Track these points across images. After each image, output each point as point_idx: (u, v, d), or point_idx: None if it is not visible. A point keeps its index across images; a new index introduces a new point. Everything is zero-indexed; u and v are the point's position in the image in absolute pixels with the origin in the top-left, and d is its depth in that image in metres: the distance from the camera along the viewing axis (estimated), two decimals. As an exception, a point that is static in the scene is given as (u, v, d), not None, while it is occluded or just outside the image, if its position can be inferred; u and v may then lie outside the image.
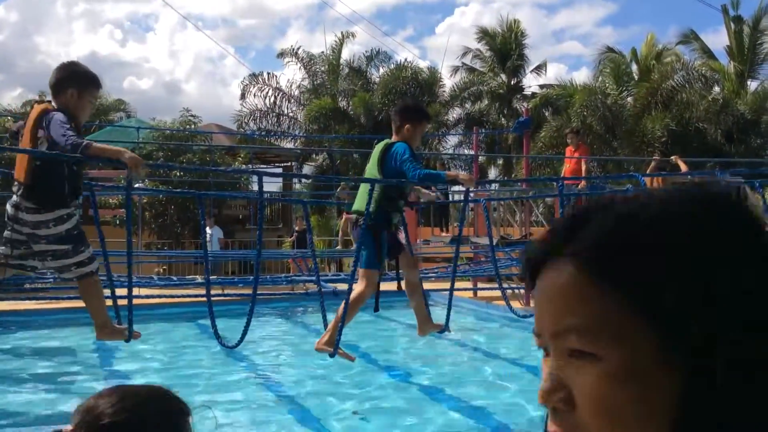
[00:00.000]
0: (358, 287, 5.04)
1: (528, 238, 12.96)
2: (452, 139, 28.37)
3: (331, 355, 5.21)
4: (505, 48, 27.95)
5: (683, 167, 9.89)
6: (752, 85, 25.56)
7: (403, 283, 5.43)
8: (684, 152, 19.19)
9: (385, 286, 11.66)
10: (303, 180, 27.27)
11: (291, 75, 31.91)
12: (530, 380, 8.25)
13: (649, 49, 26.33)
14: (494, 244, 12.03)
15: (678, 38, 27.66)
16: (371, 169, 5.00)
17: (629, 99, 24.03)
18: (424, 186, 5.36)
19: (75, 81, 4.19)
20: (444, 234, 15.83)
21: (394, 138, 5.04)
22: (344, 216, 16.99)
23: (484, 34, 28.73)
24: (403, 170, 4.70)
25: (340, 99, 27.80)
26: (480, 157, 24.67)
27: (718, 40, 65.23)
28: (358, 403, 7.10)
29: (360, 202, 4.94)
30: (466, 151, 26.65)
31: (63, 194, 4.11)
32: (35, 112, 4.09)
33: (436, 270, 11.90)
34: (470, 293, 13.90)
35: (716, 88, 24.66)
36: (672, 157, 10.12)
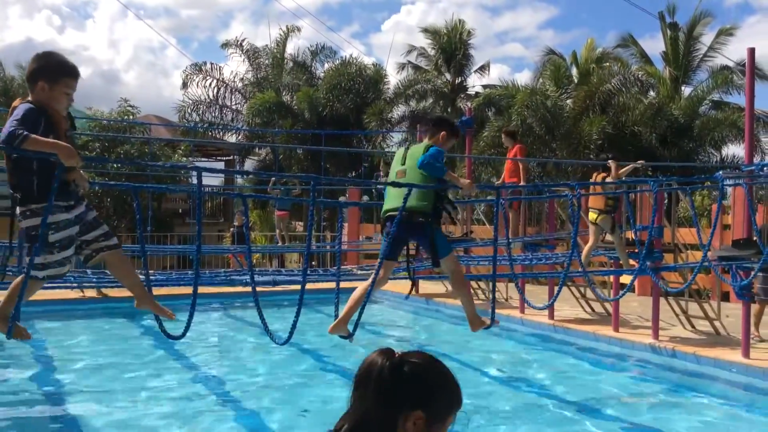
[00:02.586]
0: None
1: (469, 236, 13.08)
2: (396, 137, 28.45)
3: (345, 338, 5.92)
4: (450, 47, 28.17)
5: (614, 171, 10.10)
6: (686, 90, 26.48)
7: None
8: (620, 155, 19.73)
9: (320, 286, 11.62)
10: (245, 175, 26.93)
11: (235, 67, 31.33)
12: (461, 370, 8.36)
13: (588, 52, 26.95)
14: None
15: (616, 42, 28.42)
16: (415, 168, 5.59)
17: (568, 101, 24.53)
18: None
19: (45, 73, 4.03)
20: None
21: (428, 140, 5.87)
22: (276, 213, 16.86)
23: (430, 33, 28.89)
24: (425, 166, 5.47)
25: (284, 93, 27.52)
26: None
27: (655, 45, 67.33)
28: (307, 402, 7.05)
29: (410, 200, 5.40)
30: (409, 149, 26.74)
31: (31, 189, 3.98)
32: (11, 108, 4.00)
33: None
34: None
35: (652, 93, 25.40)
36: (609, 162, 10.35)
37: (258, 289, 5.47)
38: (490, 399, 7.25)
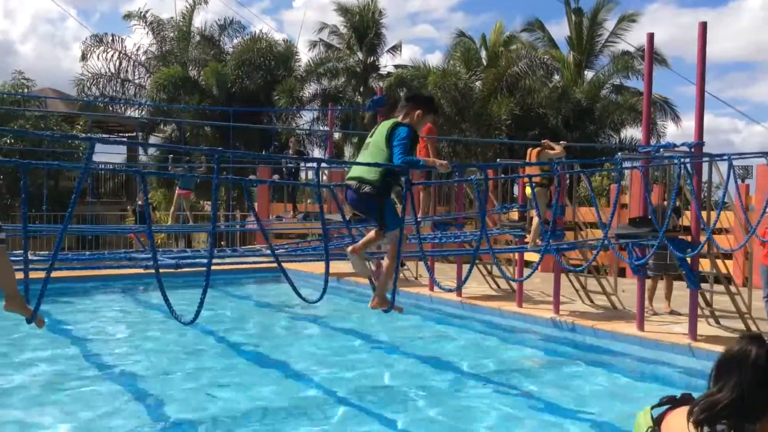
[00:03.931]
0: (389, 249, 5.53)
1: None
2: (307, 115, 28.12)
3: (386, 311, 5.72)
4: (363, 26, 27.99)
5: (558, 148, 10.19)
6: (588, 74, 27.38)
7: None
8: (526, 137, 20.21)
9: (228, 266, 11.38)
10: (150, 151, 25.96)
11: (138, 39, 30.05)
12: (358, 353, 8.41)
13: (497, 36, 27.42)
14: (347, 220, 12.09)
15: (523, 26, 29.04)
16: (379, 143, 5.33)
17: (478, 83, 24.92)
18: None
19: None
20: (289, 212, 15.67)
21: (401, 119, 5.43)
22: (177, 192, 16.39)
23: (343, 11, 28.61)
24: (393, 149, 5.19)
25: (190, 68, 26.62)
26: (335, 134, 24.66)
27: (560, 30, 69.16)
28: (209, 380, 6.89)
29: (362, 171, 5.27)
30: (321, 128, 26.52)
31: None
32: None
33: (286, 246, 11.76)
34: (323, 268, 13.88)
35: (556, 76, 26.15)
36: (545, 141, 10.50)
37: (162, 270, 5.26)
38: (399, 376, 7.32)
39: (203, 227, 16.94)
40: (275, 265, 6.21)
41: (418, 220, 8.03)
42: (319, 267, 13.68)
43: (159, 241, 17.48)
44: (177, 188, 16.49)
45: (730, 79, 58.18)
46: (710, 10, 58.98)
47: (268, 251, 10.10)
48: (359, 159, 5.47)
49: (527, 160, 10.22)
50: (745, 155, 8.07)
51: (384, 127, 5.39)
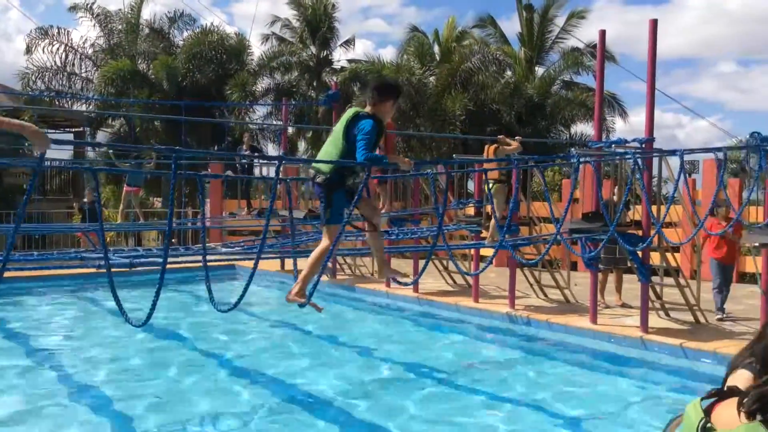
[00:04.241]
0: (322, 242, 5.33)
1: (315, 211, 13.02)
2: (261, 110, 27.80)
3: (302, 306, 5.36)
4: (316, 20, 27.79)
5: (514, 144, 10.23)
6: (539, 70, 27.75)
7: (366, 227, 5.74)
8: (481, 132, 20.36)
9: (180, 265, 11.19)
10: (97, 146, 25.30)
11: (84, 32, 29.25)
12: (321, 349, 8.36)
13: (450, 31, 27.55)
14: (303, 217, 12.01)
15: (475, 22, 29.24)
16: (337, 133, 5.16)
17: (432, 78, 25.01)
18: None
19: None
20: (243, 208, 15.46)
21: (368, 109, 5.20)
22: (125, 189, 16.06)
23: (295, 4, 28.35)
24: (356, 146, 5.00)
25: (139, 61, 26.03)
26: (289, 129, 24.45)
27: (512, 26, 69.97)
28: (157, 387, 6.74)
29: (324, 158, 5.17)
30: (275, 122, 26.26)
31: None
32: None
33: (241, 243, 11.62)
34: (278, 266, 13.79)
35: (509, 72, 26.41)
36: (500, 137, 10.54)
37: (114, 270, 5.12)
38: (355, 373, 7.29)
39: (155, 225, 16.61)
40: (231, 262, 6.12)
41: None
42: (274, 264, 13.59)
43: (109, 240, 17.07)
44: (125, 185, 16.13)
45: (674, 75, 59.91)
46: (654, 7, 60.51)
47: (224, 249, 9.97)
48: (323, 147, 5.38)
49: (485, 157, 10.28)
50: (695, 151, 8.27)
51: (346, 115, 5.19)
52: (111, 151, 15.98)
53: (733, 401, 1.73)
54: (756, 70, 62.43)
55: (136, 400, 6.24)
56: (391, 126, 12.24)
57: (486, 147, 10.68)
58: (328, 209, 5.24)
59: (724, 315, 9.21)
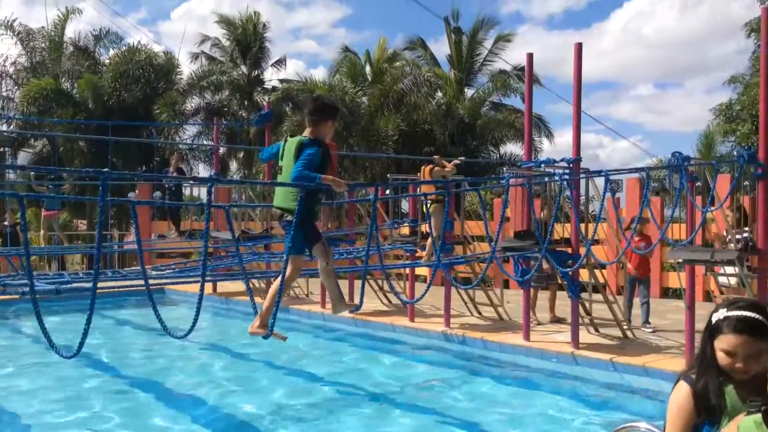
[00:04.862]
0: (287, 271, 5.31)
1: (269, 232, 12.91)
2: (191, 130, 27.31)
3: (265, 337, 5.37)
4: (246, 39, 27.62)
5: (449, 166, 10.36)
6: (469, 92, 28.30)
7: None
8: (414, 152, 20.58)
9: (107, 290, 10.82)
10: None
11: (5, 50, 28.21)
12: (252, 372, 8.22)
13: (381, 52, 27.83)
14: (236, 238, 11.81)
15: (405, 44, 29.64)
16: (288, 167, 5.12)
17: (364, 99, 25.16)
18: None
19: None
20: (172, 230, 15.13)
21: (308, 133, 5.24)
22: (44, 213, 15.52)
23: (225, 23, 28.11)
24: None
25: (63, 80, 25.24)
26: (221, 149, 24.09)
27: (442, 48, 71.23)
28: (90, 414, 6.47)
29: (282, 198, 5.18)
30: (206, 143, 25.83)
31: None
32: None
33: (172, 266, 11.33)
34: (209, 289, 13.51)
35: (440, 93, 26.84)
36: (435, 157, 10.67)
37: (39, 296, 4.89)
38: (291, 395, 7.19)
39: (80, 249, 16.02)
40: (160, 286, 5.95)
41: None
42: (206, 287, 13.30)
43: (32, 264, 16.36)
44: (43, 209, 15.56)
45: (595, 97, 62.00)
46: (575, 31, 62.72)
47: (155, 272, 9.69)
48: (278, 186, 5.32)
49: (421, 177, 10.40)
50: (621, 171, 8.58)
51: (291, 145, 5.16)
52: (33, 173, 15.37)
53: None
54: (671, 92, 65.41)
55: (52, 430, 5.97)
56: (333, 147, 12.22)
57: (423, 168, 10.81)
58: (294, 238, 5.16)
59: (650, 328, 9.56)
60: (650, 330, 9.53)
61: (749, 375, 2.35)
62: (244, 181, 19.58)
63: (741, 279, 8.08)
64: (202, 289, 5.09)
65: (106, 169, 4.47)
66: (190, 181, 15.17)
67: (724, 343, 2.36)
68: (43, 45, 26.10)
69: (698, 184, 8.27)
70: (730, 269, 8.71)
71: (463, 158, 11.25)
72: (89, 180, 14.04)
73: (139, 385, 7.80)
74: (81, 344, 4.52)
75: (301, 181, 4.97)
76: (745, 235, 8.35)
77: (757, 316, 2.36)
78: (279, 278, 5.37)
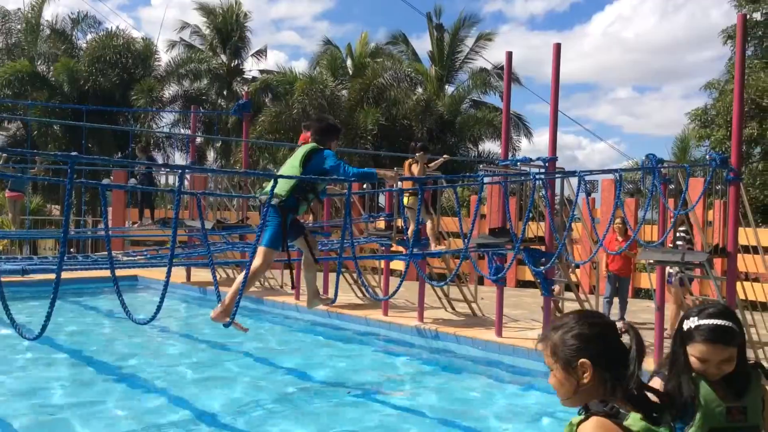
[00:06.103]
0: (255, 262, 5.33)
1: (245, 222, 12.83)
2: (168, 117, 27.06)
3: (226, 325, 5.36)
4: (226, 28, 27.40)
5: (420, 162, 10.32)
6: (449, 89, 28.35)
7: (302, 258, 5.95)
8: (393, 147, 20.57)
9: (78, 275, 10.70)
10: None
11: (-21, 30, 27.68)
12: (223, 364, 8.19)
13: (363, 46, 27.77)
14: (210, 227, 11.72)
15: (387, 39, 29.61)
16: (293, 162, 5.57)
17: (344, 92, 25.10)
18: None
19: None
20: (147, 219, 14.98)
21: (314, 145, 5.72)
22: (7, 194, 15.24)
23: (205, 11, 27.86)
24: (331, 170, 5.49)
25: (39, 63, 24.87)
26: (198, 139, 23.90)
27: (423, 45, 71.33)
28: (40, 401, 6.39)
29: (278, 187, 5.34)
30: (182, 131, 25.61)
31: None
32: None
33: (144, 252, 11.22)
34: (183, 278, 13.41)
35: (420, 89, 26.87)
36: (417, 154, 10.64)
37: (5, 279, 4.82)
38: (265, 388, 7.16)
39: (49, 232, 15.81)
40: (131, 272, 5.89)
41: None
42: (180, 276, 13.20)
43: (2, 248, 16.11)
44: (7, 190, 15.27)
45: (574, 99, 62.58)
46: (557, 33, 63.23)
47: (125, 258, 9.59)
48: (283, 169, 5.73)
49: (405, 172, 10.40)
50: (594, 172, 8.65)
51: (303, 149, 5.64)
52: (4, 156, 15.09)
53: None
54: (649, 96, 66.30)
55: (12, 419, 5.89)
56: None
57: (405, 163, 10.81)
58: (271, 231, 5.39)
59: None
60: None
61: (720, 375, 2.45)
62: (216, 170, 19.43)
63: (713, 281, 8.21)
64: (168, 274, 5.03)
65: (74, 153, 4.41)
66: (162, 169, 15.01)
67: (696, 350, 2.44)
68: (19, 27, 25.70)
69: (671, 186, 8.38)
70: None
71: (446, 156, 11.25)
72: (61, 164, 13.81)
73: (102, 370, 7.72)
74: (44, 327, 4.46)
75: (362, 177, 5.71)
76: (682, 234, 8.57)
77: (727, 323, 2.42)
78: (252, 267, 5.38)
